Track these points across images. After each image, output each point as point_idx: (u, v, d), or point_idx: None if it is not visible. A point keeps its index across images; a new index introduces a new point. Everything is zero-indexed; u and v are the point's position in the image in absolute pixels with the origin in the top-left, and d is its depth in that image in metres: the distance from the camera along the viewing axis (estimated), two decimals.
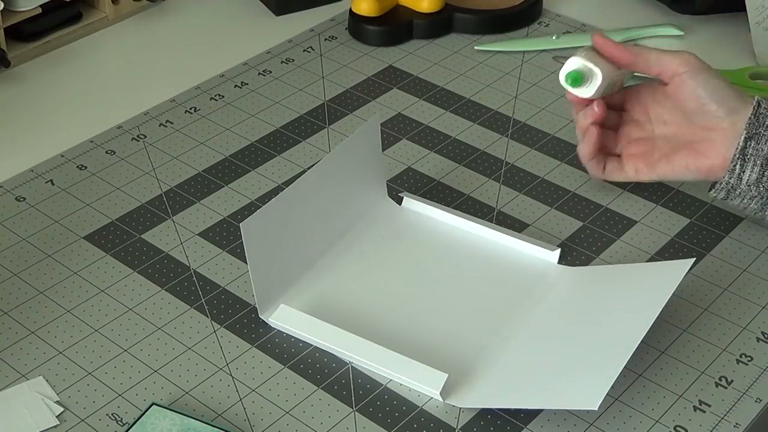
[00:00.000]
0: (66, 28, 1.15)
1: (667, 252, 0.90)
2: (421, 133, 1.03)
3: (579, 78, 0.88)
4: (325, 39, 1.16)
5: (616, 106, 0.94)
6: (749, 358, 0.81)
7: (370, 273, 0.86)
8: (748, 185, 0.84)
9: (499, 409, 0.76)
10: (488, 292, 0.85)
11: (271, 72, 1.11)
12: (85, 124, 1.03)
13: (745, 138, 0.84)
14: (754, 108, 0.84)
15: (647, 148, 0.91)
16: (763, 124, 0.84)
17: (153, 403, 0.75)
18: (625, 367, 0.74)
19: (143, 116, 1.04)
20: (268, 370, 0.79)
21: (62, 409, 0.76)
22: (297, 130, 1.03)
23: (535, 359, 0.78)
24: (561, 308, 0.82)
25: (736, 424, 0.76)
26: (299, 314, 0.81)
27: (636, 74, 0.94)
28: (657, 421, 0.76)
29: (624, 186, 0.95)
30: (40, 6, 1.10)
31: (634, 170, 0.91)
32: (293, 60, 1.12)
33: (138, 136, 1.02)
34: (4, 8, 1.07)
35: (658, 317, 0.77)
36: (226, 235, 0.90)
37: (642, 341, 0.76)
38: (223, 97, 1.07)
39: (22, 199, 0.94)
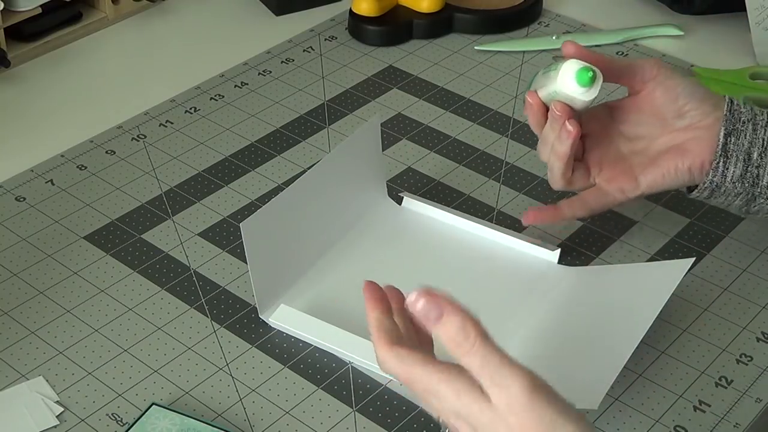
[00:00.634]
0: (66, 28, 1.14)
1: (667, 252, 0.89)
2: (421, 133, 1.03)
3: (593, 75, 0.81)
4: (325, 39, 1.16)
5: None
6: (749, 358, 0.81)
7: (370, 273, 0.86)
8: (733, 182, 0.83)
9: None
10: (488, 292, 0.85)
11: (271, 72, 1.11)
12: (85, 124, 1.03)
13: (725, 134, 0.83)
14: (727, 105, 0.84)
15: (624, 166, 0.86)
16: (739, 119, 0.83)
17: (153, 403, 0.75)
18: (624, 367, 0.74)
19: (143, 116, 1.04)
20: (268, 370, 0.79)
21: (62, 409, 0.76)
22: (297, 130, 1.02)
23: (535, 359, 0.78)
24: (561, 308, 0.82)
25: (736, 424, 0.76)
26: (299, 314, 0.81)
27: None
28: (657, 421, 0.76)
29: None
30: (40, 6, 1.10)
31: (620, 191, 0.86)
32: (293, 60, 1.12)
33: (138, 136, 1.02)
34: (4, 8, 1.07)
35: (657, 317, 0.77)
36: (226, 235, 0.90)
37: (642, 341, 0.76)
38: (223, 97, 1.07)
39: (22, 199, 0.94)
